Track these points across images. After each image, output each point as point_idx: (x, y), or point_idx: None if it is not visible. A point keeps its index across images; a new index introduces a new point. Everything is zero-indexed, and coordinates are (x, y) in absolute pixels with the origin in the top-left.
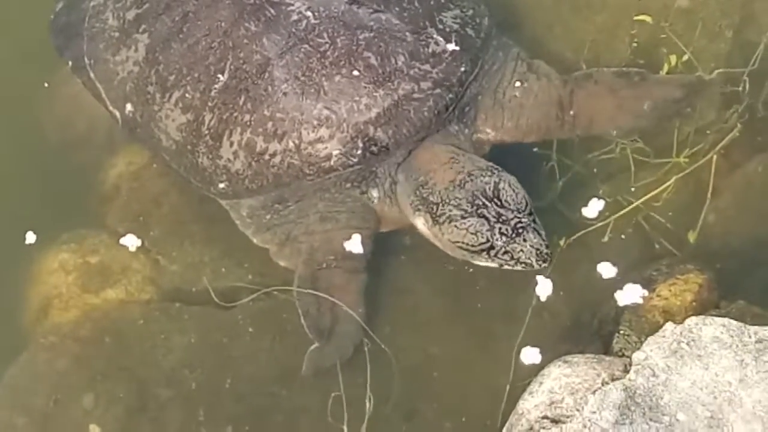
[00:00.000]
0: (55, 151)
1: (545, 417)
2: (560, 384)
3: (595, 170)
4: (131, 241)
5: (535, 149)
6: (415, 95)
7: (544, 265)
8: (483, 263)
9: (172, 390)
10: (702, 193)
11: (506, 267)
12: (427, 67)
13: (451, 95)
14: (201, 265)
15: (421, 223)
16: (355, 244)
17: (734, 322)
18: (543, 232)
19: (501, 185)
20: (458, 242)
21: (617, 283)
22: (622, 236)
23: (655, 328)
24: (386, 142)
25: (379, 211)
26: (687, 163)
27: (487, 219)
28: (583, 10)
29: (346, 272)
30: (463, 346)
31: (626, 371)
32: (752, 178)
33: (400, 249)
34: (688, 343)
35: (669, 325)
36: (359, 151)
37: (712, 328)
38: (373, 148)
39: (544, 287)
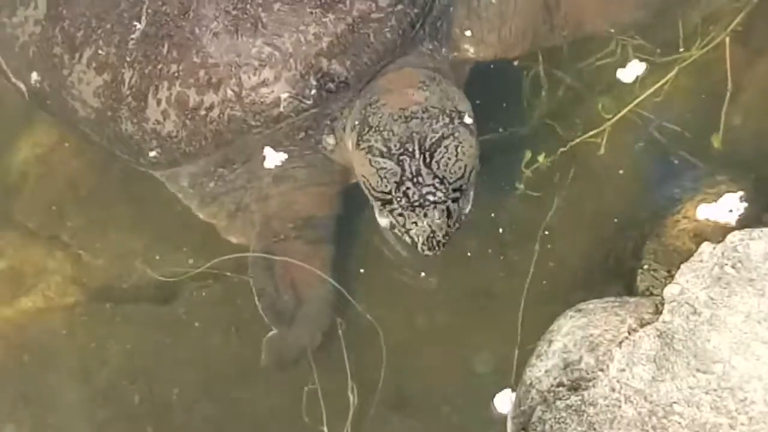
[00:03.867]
0: None
1: (560, 384)
2: (575, 340)
3: (590, 80)
4: None
5: (515, 62)
6: (374, 15)
7: (428, 253)
8: (377, 214)
9: (111, 409)
10: (721, 90)
11: (395, 231)
12: None
13: (416, 9)
14: (131, 255)
15: (349, 141)
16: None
17: None
18: (456, 216)
19: (446, 141)
20: (364, 177)
21: (633, 209)
22: (632, 153)
23: (688, 257)
24: (344, 75)
25: (339, 160)
26: (700, 55)
27: (402, 170)
28: None
29: (309, 243)
30: (455, 313)
31: (658, 312)
32: None
33: (368, 204)
34: (733, 266)
35: (706, 246)
36: (313, 91)
37: (763, 242)
38: (330, 85)
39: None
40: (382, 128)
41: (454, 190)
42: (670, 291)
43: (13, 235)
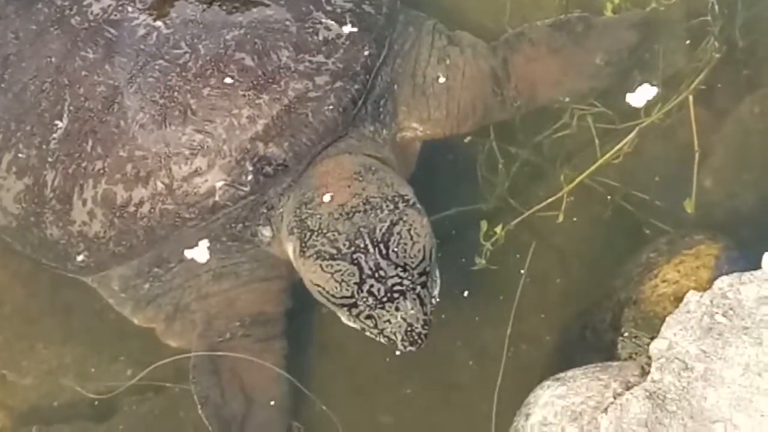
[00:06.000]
0: None
1: None
2: (555, 410)
3: (549, 153)
4: None
5: (467, 139)
6: (311, 93)
7: (411, 348)
8: (344, 320)
9: None
10: (689, 155)
11: (369, 334)
12: (320, 57)
13: (357, 86)
14: (62, 370)
15: (291, 250)
16: (200, 252)
17: None
18: (429, 302)
19: (397, 228)
20: (319, 286)
21: (605, 279)
22: (599, 223)
23: None
24: (283, 157)
25: (278, 254)
26: (661, 119)
27: (360, 268)
28: None
29: (259, 341)
30: (422, 406)
31: (645, 374)
32: (748, 124)
33: (316, 301)
34: (725, 314)
35: (692, 296)
36: (250, 177)
37: (754, 286)
38: (267, 169)
39: None
40: (325, 230)
41: (420, 275)
42: (656, 347)
43: None
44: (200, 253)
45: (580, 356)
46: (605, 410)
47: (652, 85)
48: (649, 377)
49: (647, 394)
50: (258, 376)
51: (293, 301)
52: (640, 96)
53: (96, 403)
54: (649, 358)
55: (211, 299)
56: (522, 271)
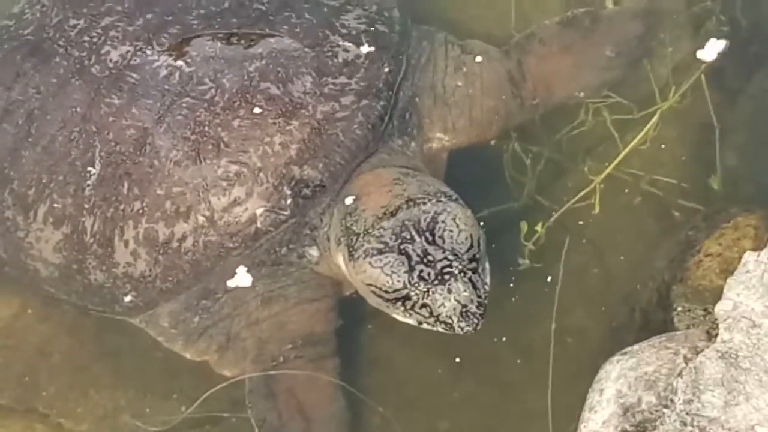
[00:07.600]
0: None
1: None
2: (628, 382)
3: (570, 149)
4: None
5: (492, 142)
6: (339, 114)
7: (468, 328)
8: (401, 319)
9: None
10: (708, 135)
11: (426, 326)
12: (342, 79)
13: (382, 102)
14: (117, 413)
15: (341, 260)
16: (241, 278)
17: None
18: (482, 287)
19: (441, 217)
20: (371, 285)
21: (646, 262)
22: (630, 212)
23: (720, 293)
24: (319, 178)
25: (327, 273)
26: (679, 103)
27: (408, 257)
28: None
29: (311, 361)
30: (477, 409)
31: (711, 337)
32: (761, 100)
33: (362, 317)
34: None
35: (749, 256)
36: (289, 200)
37: None
38: (305, 191)
39: None
40: (370, 230)
41: (470, 260)
42: (721, 308)
43: None
44: (242, 279)
45: (634, 337)
46: (680, 375)
47: (719, 39)
48: (718, 338)
49: (719, 354)
50: (314, 394)
51: (341, 319)
52: (710, 50)
53: None
54: (713, 323)
55: (261, 324)
56: (560, 267)
